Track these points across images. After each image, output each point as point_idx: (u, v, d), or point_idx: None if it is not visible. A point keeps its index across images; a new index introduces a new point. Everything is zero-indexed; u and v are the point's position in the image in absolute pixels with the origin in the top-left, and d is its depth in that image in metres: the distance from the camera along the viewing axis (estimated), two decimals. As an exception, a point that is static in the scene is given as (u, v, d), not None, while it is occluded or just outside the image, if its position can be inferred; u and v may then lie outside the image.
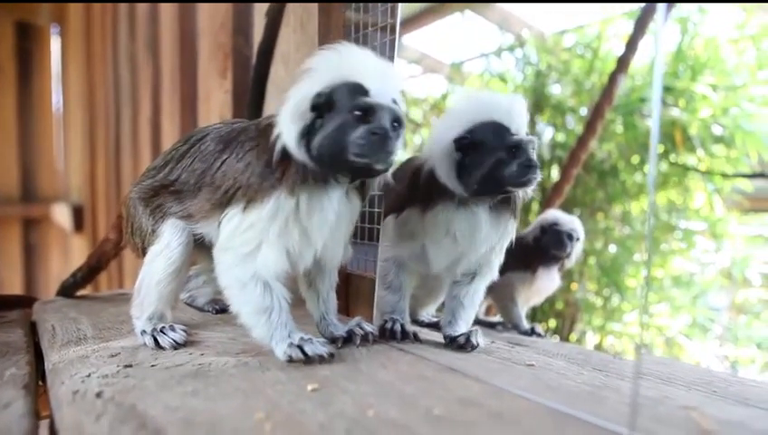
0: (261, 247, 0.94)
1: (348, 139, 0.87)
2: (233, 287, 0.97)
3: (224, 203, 0.98)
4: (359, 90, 0.90)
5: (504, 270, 1.20)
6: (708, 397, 0.92)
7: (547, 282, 1.73)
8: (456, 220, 1.10)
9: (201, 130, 1.11)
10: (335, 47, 0.93)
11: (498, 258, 1.16)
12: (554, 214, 1.74)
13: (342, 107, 0.89)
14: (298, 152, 0.90)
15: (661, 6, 0.77)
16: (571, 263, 1.78)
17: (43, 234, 5.39)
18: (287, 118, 0.91)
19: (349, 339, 1.07)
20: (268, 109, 1.81)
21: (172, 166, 1.09)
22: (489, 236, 1.11)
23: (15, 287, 5.04)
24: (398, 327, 1.13)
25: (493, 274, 1.18)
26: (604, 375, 1.01)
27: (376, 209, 1.29)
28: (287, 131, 0.91)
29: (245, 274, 0.95)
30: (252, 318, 0.96)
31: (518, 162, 1.01)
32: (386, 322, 1.14)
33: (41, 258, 5.36)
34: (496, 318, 1.84)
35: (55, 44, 5.25)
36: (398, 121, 0.90)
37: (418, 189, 1.13)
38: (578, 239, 1.69)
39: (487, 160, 1.02)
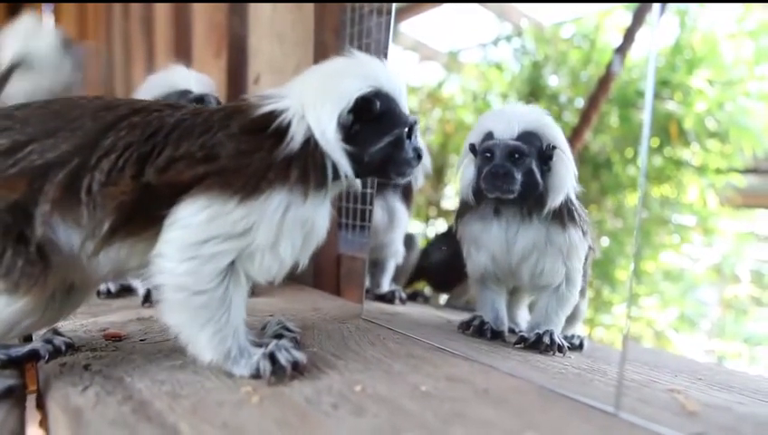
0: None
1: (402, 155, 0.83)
2: None
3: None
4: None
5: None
6: (694, 383, 0.93)
7: None
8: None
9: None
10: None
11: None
12: None
13: (396, 121, 0.82)
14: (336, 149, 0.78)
15: (656, 6, 0.76)
16: None
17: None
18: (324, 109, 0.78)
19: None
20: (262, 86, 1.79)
21: None
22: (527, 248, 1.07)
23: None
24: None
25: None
26: (591, 360, 1.02)
27: (368, 190, 1.29)
28: (325, 123, 0.78)
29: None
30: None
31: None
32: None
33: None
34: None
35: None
36: None
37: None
38: None
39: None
